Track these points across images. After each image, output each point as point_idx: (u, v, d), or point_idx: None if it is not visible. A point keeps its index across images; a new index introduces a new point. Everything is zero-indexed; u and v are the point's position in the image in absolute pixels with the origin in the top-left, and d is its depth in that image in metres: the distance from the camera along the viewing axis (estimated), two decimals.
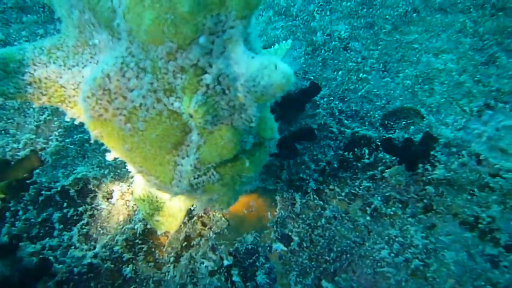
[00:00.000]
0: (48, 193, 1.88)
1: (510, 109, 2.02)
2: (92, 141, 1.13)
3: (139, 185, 1.57)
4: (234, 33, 0.82)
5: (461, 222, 1.75)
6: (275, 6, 2.66)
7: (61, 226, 1.83)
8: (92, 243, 1.80)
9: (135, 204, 1.82)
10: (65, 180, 1.92)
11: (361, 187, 1.86)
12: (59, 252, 1.78)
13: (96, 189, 1.91)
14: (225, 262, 1.74)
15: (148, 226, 1.79)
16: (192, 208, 1.58)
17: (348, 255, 1.73)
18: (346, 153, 1.95)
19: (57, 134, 2.07)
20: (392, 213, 1.79)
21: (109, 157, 1.20)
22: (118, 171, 1.95)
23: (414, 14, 2.53)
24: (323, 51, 2.40)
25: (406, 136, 1.96)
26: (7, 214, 1.84)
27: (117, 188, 1.90)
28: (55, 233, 1.82)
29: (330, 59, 2.36)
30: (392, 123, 2.08)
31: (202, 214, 1.81)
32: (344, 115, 2.10)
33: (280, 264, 1.74)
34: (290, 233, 1.78)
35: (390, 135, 1.98)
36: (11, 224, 1.83)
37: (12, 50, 1.21)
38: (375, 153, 1.93)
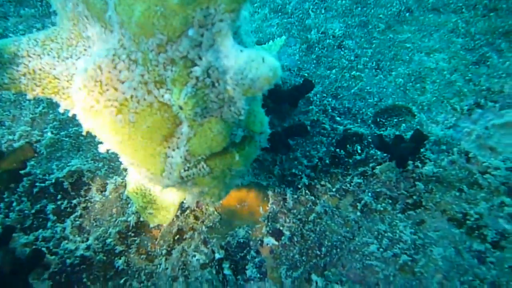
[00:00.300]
0: (43, 185, 1.90)
1: (500, 108, 2.04)
2: (84, 133, 1.15)
3: (133, 178, 1.59)
4: (223, 26, 0.84)
5: (449, 218, 1.78)
6: (270, 4, 2.69)
7: (55, 217, 1.84)
8: (85, 235, 1.81)
9: (128, 197, 1.84)
10: (59, 172, 1.93)
11: (352, 183, 1.88)
12: (52, 243, 1.79)
13: (90, 182, 1.92)
14: (217, 256, 1.76)
15: (141, 219, 1.81)
16: (184, 201, 1.59)
17: (338, 250, 1.75)
18: (338, 149, 1.97)
19: (52, 126, 2.08)
20: (382, 209, 1.82)
21: (101, 148, 1.20)
22: (112, 164, 1.96)
23: (408, 14, 2.55)
24: (317, 48, 2.42)
25: (397, 133, 1.98)
26: (1, 205, 1.86)
27: (111, 181, 1.91)
28: (49, 224, 1.83)
29: (324, 57, 2.38)
30: (384, 121, 2.11)
31: (195, 208, 1.83)
32: (336, 112, 2.12)
33: (271, 258, 1.76)
34: (281, 228, 1.80)
35: (382, 132, 2.01)
36: (5, 215, 1.84)
37: (7, 41, 1.23)
38: (367, 150, 1.95)
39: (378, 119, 2.11)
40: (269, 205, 1.86)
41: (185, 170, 1.06)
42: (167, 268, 1.74)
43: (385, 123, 2.09)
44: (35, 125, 2.10)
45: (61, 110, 1.30)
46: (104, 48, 1.02)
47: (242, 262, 1.76)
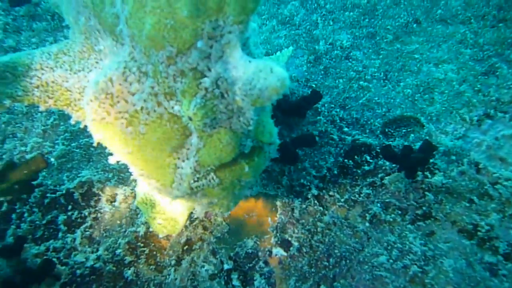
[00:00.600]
0: (53, 195, 1.92)
1: (510, 119, 2.03)
2: (95, 144, 1.16)
3: (142, 188, 1.60)
4: (231, 38, 0.85)
5: (460, 229, 1.76)
6: (278, 16, 2.71)
7: (66, 228, 1.86)
8: (95, 245, 1.82)
9: (137, 208, 1.85)
10: (70, 183, 1.95)
11: (361, 194, 1.88)
12: (62, 254, 1.81)
13: (100, 192, 1.94)
14: (225, 266, 1.76)
15: (150, 229, 1.81)
16: (193, 212, 1.60)
17: (347, 261, 1.74)
18: (346, 160, 1.97)
19: (63, 138, 2.11)
20: (391, 219, 1.81)
21: (112, 160, 1.22)
22: (122, 175, 1.98)
23: (415, 25, 2.56)
24: (325, 59, 2.44)
25: (406, 143, 1.98)
26: (13, 215, 1.88)
27: (121, 192, 1.93)
28: (60, 235, 1.85)
29: (332, 68, 2.39)
30: (392, 131, 2.10)
31: (203, 218, 1.83)
32: (345, 122, 2.12)
33: (280, 269, 1.76)
34: (290, 238, 1.80)
35: (390, 143, 2.00)
36: (16, 226, 1.86)
37: (21, 54, 1.26)
38: (375, 160, 1.95)
39: (386, 130, 2.11)
40: (278, 216, 1.85)
41: (194, 181, 1.07)
42: (176, 279, 1.75)
43: (394, 134, 2.09)
44: (46, 136, 2.14)
45: (72, 121, 1.32)
46: (115, 60, 1.04)
47: (250, 273, 1.75)
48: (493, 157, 1.92)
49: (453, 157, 1.93)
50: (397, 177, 1.86)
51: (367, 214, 1.83)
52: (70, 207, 1.91)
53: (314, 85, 2.29)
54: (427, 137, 2.01)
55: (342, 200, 1.87)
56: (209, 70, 0.89)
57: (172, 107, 0.98)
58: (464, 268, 1.68)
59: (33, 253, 1.79)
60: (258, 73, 0.84)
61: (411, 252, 1.73)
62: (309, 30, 2.62)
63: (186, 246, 1.80)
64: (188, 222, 1.82)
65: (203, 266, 1.76)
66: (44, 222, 1.88)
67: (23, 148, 2.09)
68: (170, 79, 0.93)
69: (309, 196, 1.88)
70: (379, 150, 1.97)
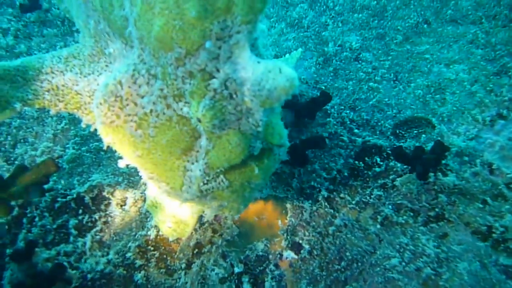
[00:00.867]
0: (64, 200, 1.93)
1: None
2: (105, 148, 1.16)
3: (152, 192, 1.60)
4: (240, 38, 0.84)
5: (473, 231, 1.74)
6: (287, 18, 2.71)
7: (76, 232, 1.87)
8: (106, 249, 1.83)
9: (147, 211, 1.85)
10: (80, 187, 1.96)
11: (372, 196, 1.86)
12: (73, 258, 1.81)
13: (110, 196, 1.94)
14: (236, 269, 1.75)
15: (160, 233, 1.81)
16: (203, 215, 1.60)
17: (359, 264, 1.73)
18: (357, 161, 1.96)
19: (73, 142, 2.12)
20: (403, 221, 1.79)
21: (121, 163, 1.22)
22: (132, 179, 1.98)
23: (425, 25, 2.54)
24: (334, 61, 2.42)
25: (417, 144, 1.95)
26: (24, 220, 1.89)
27: (131, 195, 1.93)
28: (70, 239, 1.85)
29: (341, 69, 2.38)
30: (403, 132, 2.08)
31: (213, 221, 1.83)
32: (355, 124, 2.11)
33: (291, 272, 1.74)
34: (300, 241, 1.79)
35: (402, 144, 1.98)
36: (27, 230, 1.87)
37: (31, 58, 1.27)
38: (386, 162, 1.93)
39: (397, 131, 2.09)
40: (288, 218, 1.84)
41: (204, 184, 1.06)
42: (186, 282, 1.74)
43: (405, 135, 2.07)
44: (57, 141, 2.15)
45: (83, 125, 1.33)
46: (124, 63, 1.04)
47: (261, 276, 1.74)
48: (506, 158, 1.89)
49: (466, 158, 1.90)
50: (409, 179, 1.84)
51: (378, 216, 1.81)
52: (80, 211, 1.92)
53: (323, 87, 2.28)
54: (439, 138, 1.98)
55: (353, 202, 1.86)
56: (218, 71, 0.88)
57: (181, 109, 0.97)
58: (478, 270, 1.65)
59: (44, 257, 1.80)
60: (267, 73, 0.83)
61: (424, 254, 1.71)
62: (318, 32, 2.61)
63: (196, 250, 1.79)
64: (197, 225, 1.81)
65: (213, 270, 1.75)
66: (55, 226, 1.89)
67: (33, 153, 2.10)
68: (179, 80, 0.92)
69: (320, 199, 1.87)
70: (390, 152, 1.95)
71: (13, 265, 1.74)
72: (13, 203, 1.84)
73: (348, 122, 2.11)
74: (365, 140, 2.02)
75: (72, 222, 1.89)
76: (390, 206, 1.82)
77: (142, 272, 1.76)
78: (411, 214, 1.80)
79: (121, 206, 1.92)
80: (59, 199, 1.93)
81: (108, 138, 1.12)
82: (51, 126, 2.20)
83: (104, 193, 1.96)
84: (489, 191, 1.80)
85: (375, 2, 2.75)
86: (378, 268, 1.70)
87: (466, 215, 1.77)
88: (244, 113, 0.95)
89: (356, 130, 2.07)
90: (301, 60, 2.42)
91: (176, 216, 1.62)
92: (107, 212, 1.91)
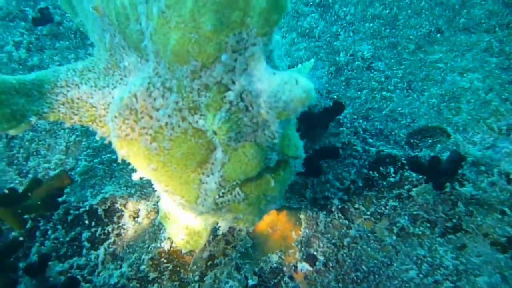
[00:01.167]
0: (77, 212, 1.93)
1: None
2: (119, 161, 1.16)
3: (165, 204, 1.59)
4: (255, 50, 0.84)
5: (492, 242, 1.70)
6: (298, 28, 2.71)
7: (89, 245, 1.86)
8: (119, 262, 1.82)
9: (160, 223, 1.84)
10: (93, 199, 1.96)
11: (387, 206, 1.83)
12: (86, 271, 1.80)
13: (123, 208, 1.94)
14: (250, 282, 1.73)
15: (173, 245, 1.80)
16: (217, 227, 1.59)
17: (376, 276, 1.70)
18: (371, 171, 1.93)
19: (86, 154, 2.13)
20: (420, 232, 1.76)
21: (135, 177, 1.21)
22: (144, 191, 1.98)
23: (438, 34, 2.53)
24: (346, 70, 2.41)
25: (432, 154, 1.93)
26: (37, 233, 1.89)
27: (143, 207, 1.93)
28: (83, 252, 1.85)
29: (354, 79, 2.37)
30: (418, 142, 2.06)
31: (227, 233, 1.81)
32: (368, 133, 2.09)
33: (306, 284, 1.72)
34: (315, 253, 1.76)
35: (417, 153, 1.96)
36: (40, 243, 1.87)
37: (46, 72, 1.28)
38: (401, 172, 1.90)
39: (411, 140, 2.06)
40: (302, 229, 1.82)
41: (219, 197, 1.05)
42: None
43: (419, 144, 2.05)
44: (69, 153, 2.16)
45: (97, 137, 1.33)
46: (139, 76, 1.04)
47: None
48: None
49: (482, 168, 1.87)
50: (425, 189, 1.81)
51: (394, 227, 1.79)
52: (93, 223, 1.91)
53: (335, 97, 2.27)
54: (455, 148, 1.95)
55: (368, 213, 1.83)
56: (234, 83, 0.88)
57: (197, 122, 0.97)
58: (499, 283, 1.61)
59: (57, 270, 1.80)
60: (283, 85, 0.82)
61: (442, 266, 1.68)
62: (329, 41, 2.60)
63: (210, 262, 1.78)
64: (211, 237, 1.80)
65: (227, 282, 1.73)
66: (67, 239, 1.88)
67: (46, 165, 2.11)
68: (194, 93, 0.92)
69: (334, 209, 1.85)
70: (404, 161, 1.92)
71: (27, 279, 1.74)
72: (26, 216, 1.85)
73: (362, 132, 2.09)
74: (379, 149, 1.99)
75: (85, 234, 1.89)
76: (406, 217, 1.79)
77: (156, 285, 1.75)
78: (428, 225, 1.77)
79: (134, 218, 1.92)
80: (71, 211, 1.93)
81: (122, 151, 1.12)
82: (64, 138, 2.21)
83: (117, 205, 1.95)
84: (507, 201, 1.77)
85: (386, 11, 2.74)
86: (396, 281, 1.67)
87: (485, 226, 1.73)
88: (260, 125, 0.94)
89: (369, 140, 2.05)
90: (313, 70, 2.41)
91: (189, 228, 1.60)
92: (120, 224, 1.91)
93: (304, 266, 1.75)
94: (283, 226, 1.84)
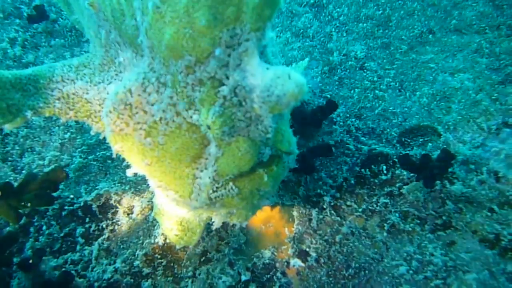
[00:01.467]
0: (71, 208, 1.93)
1: None
2: (114, 156, 1.17)
3: (159, 200, 1.60)
4: (249, 46, 0.85)
5: (481, 239, 1.73)
6: (292, 28, 2.73)
7: (83, 240, 1.87)
8: (113, 257, 1.83)
9: (154, 219, 1.85)
10: (87, 195, 1.97)
11: (378, 203, 1.86)
12: (80, 266, 1.81)
13: (117, 205, 1.95)
14: (243, 277, 1.75)
15: (167, 241, 1.81)
16: (211, 222, 1.61)
17: (367, 272, 1.72)
18: (363, 169, 1.96)
19: (80, 151, 2.14)
20: (410, 229, 1.79)
21: (129, 173, 1.22)
22: (139, 187, 1.99)
23: (430, 35, 2.56)
24: (339, 70, 2.44)
25: (423, 153, 1.96)
26: (31, 229, 1.89)
27: (138, 203, 1.94)
28: (77, 247, 1.86)
29: (347, 78, 2.40)
30: (409, 141, 2.09)
31: (220, 229, 1.83)
32: (360, 132, 2.12)
33: (298, 280, 1.74)
34: (307, 249, 1.78)
35: (408, 152, 1.99)
36: (35, 239, 1.87)
37: (42, 67, 1.29)
38: (392, 170, 1.93)
39: (403, 139, 2.09)
40: (295, 226, 1.84)
41: (213, 191, 1.06)
42: None
43: (411, 143, 2.07)
44: (64, 150, 2.16)
45: (92, 133, 1.34)
46: (134, 72, 1.05)
47: (268, 285, 1.74)
48: None
49: (472, 166, 1.90)
50: (416, 186, 1.84)
51: (385, 224, 1.81)
52: (87, 219, 1.92)
53: (329, 96, 2.29)
54: (445, 146, 1.98)
55: (360, 210, 1.86)
56: (227, 78, 0.89)
57: (191, 117, 0.98)
58: (487, 279, 1.64)
59: (52, 265, 1.80)
60: (275, 79, 0.84)
61: (431, 263, 1.70)
62: (323, 41, 2.63)
63: (203, 258, 1.79)
64: (204, 233, 1.81)
65: (220, 278, 1.75)
66: (62, 234, 1.89)
67: (41, 162, 2.11)
68: (188, 88, 0.93)
69: (326, 206, 1.87)
70: (396, 160, 1.95)
71: (21, 274, 1.74)
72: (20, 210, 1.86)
73: (354, 131, 2.11)
74: (371, 148, 2.02)
75: (79, 230, 1.89)
76: (397, 214, 1.82)
77: (149, 280, 1.76)
78: (418, 221, 1.80)
79: (128, 214, 1.93)
80: (66, 207, 1.94)
81: (117, 146, 1.13)
82: (58, 135, 2.21)
83: (111, 201, 1.96)
84: (496, 199, 1.79)
85: (379, 12, 2.77)
86: (386, 277, 1.70)
87: (473, 223, 1.76)
88: (253, 120, 0.96)
89: (362, 138, 2.07)
90: (306, 69, 2.44)
91: (183, 224, 1.62)
92: (114, 220, 1.92)
93: (296, 262, 1.77)
94: (276, 223, 1.86)
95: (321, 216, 1.84)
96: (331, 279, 1.72)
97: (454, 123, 2.11)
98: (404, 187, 1.87)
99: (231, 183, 1.06)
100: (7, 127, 1.25)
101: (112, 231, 1.89)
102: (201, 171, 1.05)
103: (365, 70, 2.43)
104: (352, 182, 1.93)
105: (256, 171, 1.06)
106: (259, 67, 0.87)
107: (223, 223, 1.75)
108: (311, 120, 2.01)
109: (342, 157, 2.01)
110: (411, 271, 1.69)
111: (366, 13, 2.78)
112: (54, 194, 1.91)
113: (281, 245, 1.81)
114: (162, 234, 1.82)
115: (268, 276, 1.75)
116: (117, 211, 1.94)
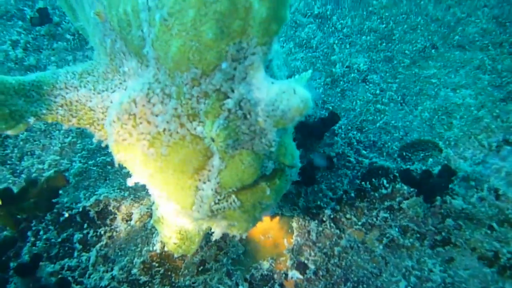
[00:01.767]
0: (70, 213, 1.92)
1: None
2: (116, 165, 1.17)
3: (159, 208, 1.60)
4: (255, 59, 0.86)
5: (480, 256, 1.73)
6: (296, 38, 2.74)
7: (81, 246, 1.86)
8: (110, 264, 1.82)
9: (153, 227, 1.84)
10: (86, 201, 1.96)
11: (378, 217, 1.86)
12: (77, 273, 1.80)
13: (116, 211, 1.94)
14: None
15: (165, 249, 1.80)
16: (210, 233, 1.60)
17: (365, 286, 1.71)
18: (363, 182, 1.96)
19: (80, 156, 2.13)
20: (409, 244, 1.78)
21: (130, 182, 1.22)
22: (138, 194, 1.98)
23: (433, 50, 2.57)
24: (342, 82, 2.44)
25: (424, 168, 1.96)
26: (29, 233, 1.88)
27: (136, 210, 1.93)
28: (75, 254, 1.84)
29: (349, 90, 2.40)
30: (410, 155, 2.09)
31: (219, 239, 1.82)
32: (362, 145, 2.12)
33: None
34: (306, 261, 1.78)
35: (409, 167, 1.99)
36: (32, 244, 1.86)
37: (46, 74, 1.28)
38: (393, 184, 1.93)
39: (404, 153, 2.09)
40: (294, 238, 1.84)
41: (215, 204, 1.06)
42: None
43: (412, 158, 2.07)
44: (64, 154, 2.15)
45: (94, 140, 1.34)
46: (139, 82, 1.05)
47: None
48: None
49: (472, 183, 1.90)
50: (416, 202, 1.84)
51: (384, 238, 1.81)
52: (85, 225, 1.91)
53: (330, 107, 2.29)
54: (446, 162, 1.98)
55: (359, 223, 1.85)
56: (232, 91, 0.90)
57: (195, 128, 0.98)
58: None
59: (48, 271, 1.79)
60: (281, 94, 0.84)
61: (430, 279, 1.69)
62: (326, 53, 2.63)
63: (201, 267, 1.79)
64: (203, 242, 1.81)
65: None
66: (59, 240, 1.88)
67: (40, 166, 2.10)
68: (193, 100, 0.93)
69: (326, 219, 1.86)
70: (396, 174, 1.95)
71: (17, 279, 1.73)
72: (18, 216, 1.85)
73: (355, 143, 2.11)
74: (372, 161, 2.02)
75: (77, 236, 1.88)
76: (396, 229, 1.81)
77: None
78: (418, 236, 1.79)
79: (127, 221, 1.92)
80: (64, 212, 1.93)
81: (119, 155, 1.13)
82: (58, 139, 2.20)
83: (110, 208, 1.95)
84: (495, 217, 1.79)
85: (383, 25, 2.78)
86: None
87: (473, 240, 1.76)
88: (257, 133, 0.96)
89: (363, 151, 2.07)
90: (309, 80, 2.44)
91: (182, 233, 1.61)
92: (113, 227, 1.91)
93: (294, 274, 1.76)
94: (275, 234, 1.85)
95: (320, 229, 1.84)
96: None
97: (456, 139, 2.11)
98: (404, 201, 1.87)
99: (233, 196, 1.05)
100: (10, 133, 1.24)
101: (110, 237, 1.88)
102: (204, 183, 1.05)
103: (367, 83, 2.43)
104: (352, 195, 1.93)
105: (259, 184, 1.06)
106: (265, 81, 0.88)
107: (222, 234, 1.75)
108: (313, 131, 2.01)
109: (343, 169, 2.01)
110: (409, 287, 1.69)
111: (370, 25, 2.79)
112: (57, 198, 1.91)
113: (280, 257, 1.80)
114: (161, 242, 1.81)
115: (266, 287, 1.74)
116: (116, 217, 1.93)
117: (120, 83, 1.21)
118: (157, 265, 1.79)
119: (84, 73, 1.28)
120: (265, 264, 1.79)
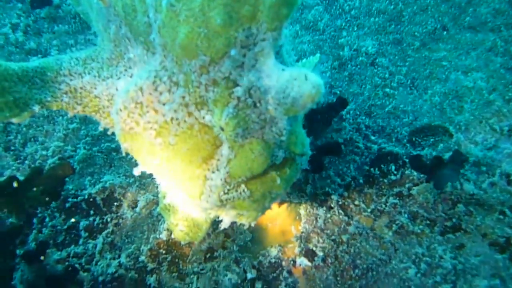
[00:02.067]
0: (75, 200, 1.91)
1: None
2: (123, 153, 1.14)
3: (166, 196, 1.58)
4: (265, 46, 0.83)
5: (491, 243, 1.71)
6: (302, 21, 2.68)
7: (87, 234, 1.85)
8: (117, 252, 1.81)
9: (160, 214, 1.83)
10: (92, 188, 1.94)
11: (387, 204, 1.83)
12: (84, 260, 1.80)
13: (122, 198, 1.93)
14: (249, 275, 1.73)
15: (172, 236, 1.79)
16: (218, 220, 1.58)
17: (374, 273, 1.70)
18: (372, 168, 1.93)
19: (84, 142, 2.10)
20: (419, 231, 1.76)
21: (136, 172, 1.19)
22: (144, 181, 1.97)
23: (444, 32, 2.51)
24: (349, 66, 2.40)
25: (434, 153, 1.92)
26: (34, 220, 1.87)
27: (142, 198, 1.91)
28: (81, 241, 1.84)
29: (357, 74, 2.35)
30: (420, 140, 2.05)
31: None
32: (370, 130, 2.08)
33: (304, 279, 1.72)
34: (314, 248, 1.76)
35: (419, 152, 1.95)
36: (38, 231, 1.85)
37: (49, 60, 1.25)
38: (402, 170, 1.90)
39: (413, 139, 2.06)
40: (302, 225, 1.82)
41: (224, 193, 1.03)
42: (198, 287, 1.72)
43: (421, 143, 2.04)
44: (68, 140, 2.13)
45: (101, 128, 1.31)
46: (145, 69, 1.02)
47: (274, 283, 1.72)
48: None
49: (484, 168, 1.87)
50: (426, 188, 1.81)
51: (394, 225, 1.79)
52: (91, 212, 1.90)
53: (338, 92, 2.25)
54: (456, 147, 1.95)
55: (368, 210, 1.83)
56: (242, 79, 0.87)
57: (203, 117, 0.95)
58: (498, 284, 1.62)
59: (55, 258, 1.79)
60: (292, 81, 0.81)
61: (440, 266, 1.68)
62: (333, 35, 2.58)
63: (209, 254, 1.78)
64: (210, 229, 1.79)
65: (226, 275, 1.73)
66: (65, 227, 1.87)
67: (44, 152, 2.08)
68: (202, 88, 0.91)
69: (334, 205, 1.84)
70: (406, 160, 1.92)
71: (24, 266, 1.73)
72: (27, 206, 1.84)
73: (364, 129, 2.08)
74: (380, 147, 1.99)
75: (83, 223, 1.87)
76: (406, 215, 1.79)
77: (154, 275, 1.74)
78: (428, 223, 1.77)
79: (133, 208, 1.91)
80: (70, 199, 1.92)
81: (126, 144, 1.10)
82: (62, 125, 2.18)
83: (116, 195, 1.94)
84: (507, 202, 1.77)
85: (391, 6, 2.71)
86: (394, 279, 1.68)
87: (484, 226, 1.74)
88: (267, 121, 0.93)
89: (372, 137, 2.04)
90: (317, 64, 2.40)
91: (189, 220, 1.60)
92: (118, 214, 1.90)
93: (303, 261, 1.75)
94: (283, 221, 1.83)
95: (328, 215, 1.82)
96: (338, 279, 1.70)
97: (466, 123, 2.07)
98: (414, 187, 1.84)
99: (243, 186, 1.03)
100: (14, 121, 1.22)
101: (116, 224, 1.87)
102: (213, 172, 1.03)
103: (376, 66, 2.39)
104: (361, 181, 1.91)
105: (269, 174, 1.04)
106: (275, 68, 0.85)
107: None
108: (321, 117, 1.98)
109: (351, 155, 1.98)
110: (419, 274, 1.67)
111: (378, 7, 2.72)
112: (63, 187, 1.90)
113: (288, 244, 1.79)
114: (167, 229, 1.80)
115: (274, 274, 1.73)
116: (122, 204, 1.92)
117: (125, 70, 1.18)
118: (164, 252, 1.78)
119: (88, 59, 1.24)
120: (273, 251, 1.77)
